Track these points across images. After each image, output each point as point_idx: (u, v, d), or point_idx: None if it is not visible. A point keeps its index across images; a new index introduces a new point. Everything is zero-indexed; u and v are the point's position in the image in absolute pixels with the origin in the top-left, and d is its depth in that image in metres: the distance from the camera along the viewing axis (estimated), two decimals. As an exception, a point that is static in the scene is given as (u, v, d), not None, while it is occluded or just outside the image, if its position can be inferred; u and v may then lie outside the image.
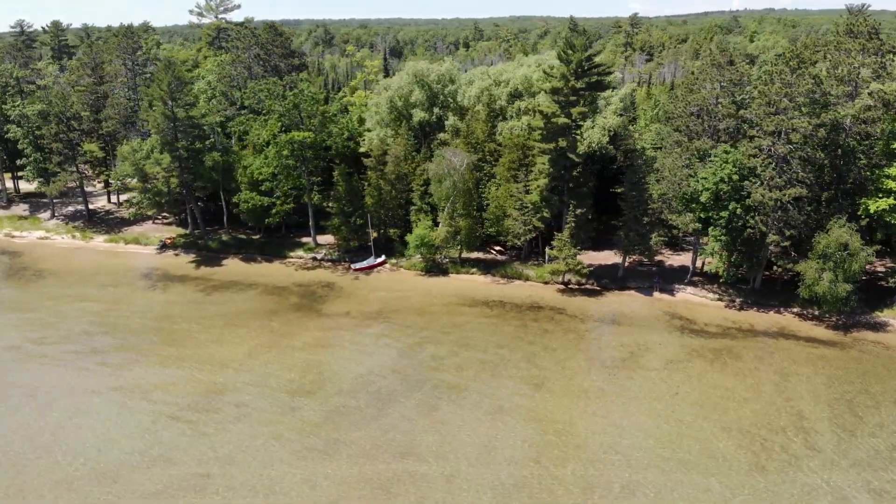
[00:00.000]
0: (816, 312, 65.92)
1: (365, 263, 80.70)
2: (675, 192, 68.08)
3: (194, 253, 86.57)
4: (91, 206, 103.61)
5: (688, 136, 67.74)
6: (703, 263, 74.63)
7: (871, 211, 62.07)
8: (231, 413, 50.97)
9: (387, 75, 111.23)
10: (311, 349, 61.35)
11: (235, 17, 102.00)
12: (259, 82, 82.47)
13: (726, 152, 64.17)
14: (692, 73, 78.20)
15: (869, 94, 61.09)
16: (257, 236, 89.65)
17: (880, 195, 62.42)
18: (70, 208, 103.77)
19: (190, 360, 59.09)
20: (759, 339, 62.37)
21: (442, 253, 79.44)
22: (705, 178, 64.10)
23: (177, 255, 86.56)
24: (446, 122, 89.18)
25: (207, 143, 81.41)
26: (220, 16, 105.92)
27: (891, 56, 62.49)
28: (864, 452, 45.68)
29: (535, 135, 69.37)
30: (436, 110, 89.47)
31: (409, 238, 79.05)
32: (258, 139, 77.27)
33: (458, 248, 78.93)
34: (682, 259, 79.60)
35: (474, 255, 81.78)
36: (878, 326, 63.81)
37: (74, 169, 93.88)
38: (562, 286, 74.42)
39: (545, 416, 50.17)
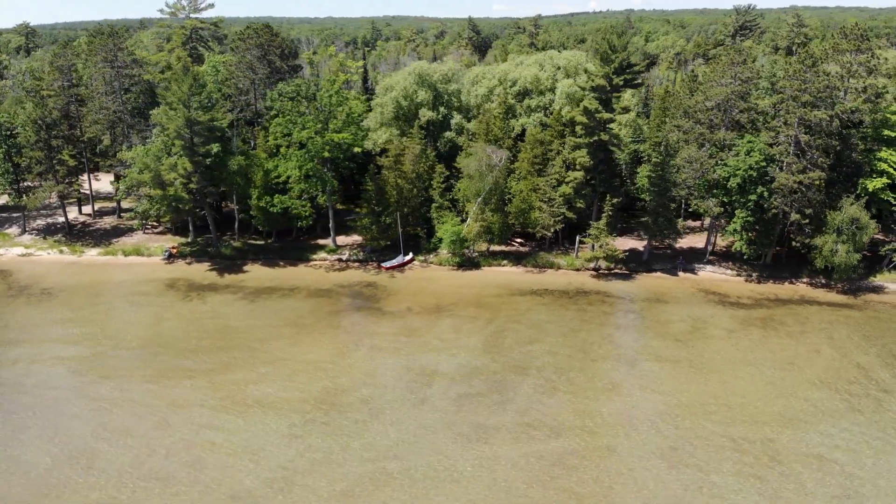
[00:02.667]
0: (823, 280, 75.12)
1: (395, 262, 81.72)
2: (698, 178, 74.80)
3: (208, 261, 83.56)
4: (61, 219, 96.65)
5: (709, 128, 74.65)
6: (715, 244, 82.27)
7: (870, 189, 71.76)
8: (362, 411, 51.45)
9: (365, 77, 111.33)
10: (397, 345, 62.26)
11: (206, 15, 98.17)
12: (289, 83, 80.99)
13: (750, 142, 71.64)
14: (694, 71, 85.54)
15: (864, 88, 70.46)
16: (268, 241, 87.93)
17: (874, 175, 72.32)
18: (40, 221, 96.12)
19: (281, 365, 58.37)
20: (789, 306, 70.38)
21: (470, 247, 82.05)
22: (734, 166, 71.23)
23: (189, 263, 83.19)
24: (452, 121, 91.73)
25: (217, 146, 78.63)
26: (192, 15, 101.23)
27: (877, 57, 72.25)
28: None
29: (578, 129, 73.61)
30: (441, 109, 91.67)
31: (440, 233, 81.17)
32: (299, 138, 76.06)
33: (488, 241, 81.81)
34: (688, 241, 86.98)
35: (498, 247, 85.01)
36: (878, 289, 73.94)
37: (56, 180, 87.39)
38: (593, 272, 79.44)
39: (658, 388, 54.72)
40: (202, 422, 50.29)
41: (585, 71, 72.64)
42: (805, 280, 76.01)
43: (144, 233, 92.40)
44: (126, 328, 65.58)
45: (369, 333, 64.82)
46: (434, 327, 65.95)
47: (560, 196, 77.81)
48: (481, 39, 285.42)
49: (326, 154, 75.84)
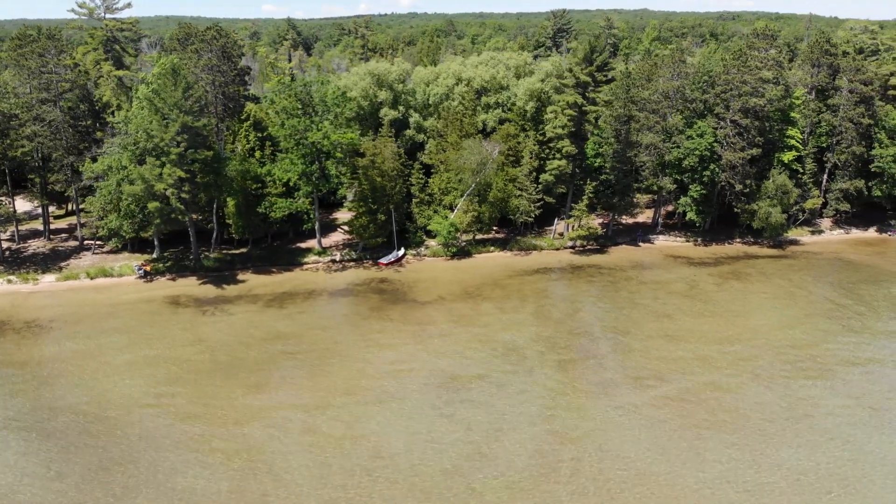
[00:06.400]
0: (752, 239, 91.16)
1: (391, 257, 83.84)
2: (656, 160, 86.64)
3: (191, 275, 78.80)
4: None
5: (661, 117, 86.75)
6: (660, 217, 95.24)
7: (785, 161, 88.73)
8: (487, 386, 54.82)
9: (292, 78, 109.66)
10: (460, 328, 65.59)
11: (121, 16, 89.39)
12: (294, 84, 79.01)
13: (699, 126, 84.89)
14: (627, 69, 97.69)
15: (776, 80, 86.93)
16: (247, 249, 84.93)
17: (786, 150, 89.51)
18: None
19: (373, 360, 59.32)
20: (742, 261, 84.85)
21: (459, 237, 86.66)
22: (690, 147, 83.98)
23: (172, 279, 77.98)
24: (410, 120, 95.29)
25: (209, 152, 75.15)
26: (107, 15, 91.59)
27: (784, 54, 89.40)
28: (885, 305, 70.28)
29: (564, 120, 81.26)
30: (400, 108, 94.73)
31: (432, 227, 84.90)
32: (313, 139, 74.95)
33: (477, 230, 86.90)
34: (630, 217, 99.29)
35: (481, 235, 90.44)
36: (795, 242, 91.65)
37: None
38: (571, 249, 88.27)
39: (705, 334, 64.66)
40: (346, 418, 50.51)
41: (570, 69, 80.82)
42: (738, 240, 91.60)
43: (94, 253, 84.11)
44: (174, 350, 61.24)
45: (426, 322, 67.28)
46: (478, 310, 70.14)
47: (540, 184, 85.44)
48: (302, 40, 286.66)
49: (339, 154, 76.20)
